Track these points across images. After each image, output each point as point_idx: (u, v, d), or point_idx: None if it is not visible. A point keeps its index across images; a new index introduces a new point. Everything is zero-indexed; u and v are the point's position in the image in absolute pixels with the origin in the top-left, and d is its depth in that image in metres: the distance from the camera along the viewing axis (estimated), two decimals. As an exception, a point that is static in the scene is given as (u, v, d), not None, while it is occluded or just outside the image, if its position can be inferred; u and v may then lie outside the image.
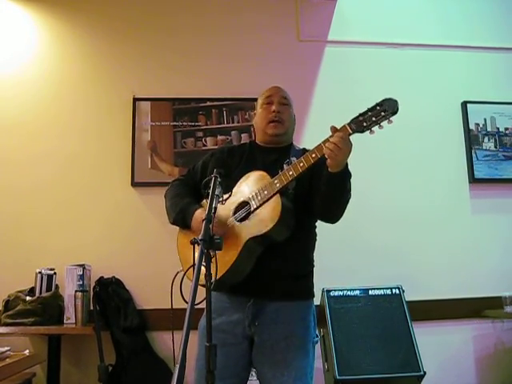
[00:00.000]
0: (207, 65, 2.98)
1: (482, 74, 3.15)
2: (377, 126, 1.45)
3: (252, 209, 1.56)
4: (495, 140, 3.06)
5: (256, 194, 1.57)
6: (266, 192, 1.55)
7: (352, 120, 1.48)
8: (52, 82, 2.91)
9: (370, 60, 3.09)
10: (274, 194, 1.53)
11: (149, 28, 3.01)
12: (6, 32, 2.95)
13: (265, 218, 1.52)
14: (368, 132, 1.47)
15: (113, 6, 3.02)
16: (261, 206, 1.55)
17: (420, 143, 3.01)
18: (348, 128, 1.47)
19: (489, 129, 3.07)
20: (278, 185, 1.54)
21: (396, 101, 1.44)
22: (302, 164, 1.53)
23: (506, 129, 3.08)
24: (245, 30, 3.07)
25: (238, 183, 1.64)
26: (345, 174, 1.52)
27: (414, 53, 3.13)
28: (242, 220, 1.58)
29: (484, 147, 3.04)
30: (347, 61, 3.08)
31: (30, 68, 2.92)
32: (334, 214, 1.64)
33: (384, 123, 1.45)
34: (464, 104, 3.08)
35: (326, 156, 1.46)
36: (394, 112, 1.43)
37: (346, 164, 1.51)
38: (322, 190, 1.56)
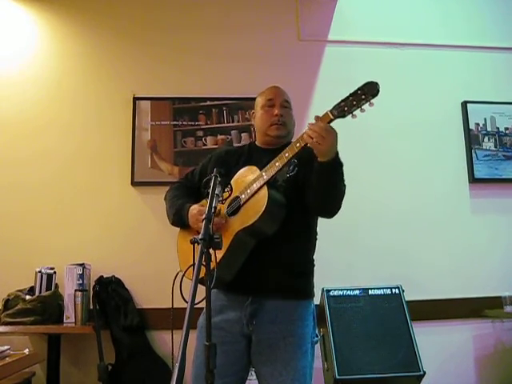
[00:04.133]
0: (207, 64, 2.98)
1: (482, 73, 3.15)
2: (358, 110, 1.46)
3: (242, 202, 1.59)
4: (495, 140, 3.06)
5: (245, 187, 1.59)
6: (254, 185, 1.57)
7: (334, 106, 1.49)
8: (52, 81, 2.91)
9: (370, 60, 3.09)
10: (262, 186, 1.55)
11: (149, 27, 3.01)
12: (6, 31, 2.95)
13: (252, 209, 1.54)
14: (350, 116, 1.47)
15: (113, 4, 3.02)
16: (249, 198, 1.57)
17: (420, 143, 3.01)
18: (330, 114, 1.48)
19: (489, 129, 3.07)
20: (265, 177, 1.56)
21: (376, 83, 1.44)
22: (287, 154, 1.54)
23: (506, 129, 3.08)
24: (245, 29, 3.07)
25: (232, 180, 1.66)
26: (334, 164, 1.51)
27: (415, 52, 3.13)
28: (233, 214, 1.60)
29: (484, 147, 3.04)
30: (347, 60, 3.08)
31: (29, 67, 2.92)
32: (328, 206, 1.63)
33: (366, 106, 1.46)
34: (464, 104, 3.08)
35: (310, 144, 1.47)
36: (374, 94, 1.44)
37: (337, 153, 1.51)
38: (313, 182, 1.57)
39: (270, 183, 1.57)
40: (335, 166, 1.52)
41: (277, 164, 1.55)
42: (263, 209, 1.50)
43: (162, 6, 3.05)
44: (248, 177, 1.62)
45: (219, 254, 1.50)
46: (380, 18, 3.17)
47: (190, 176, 1.88)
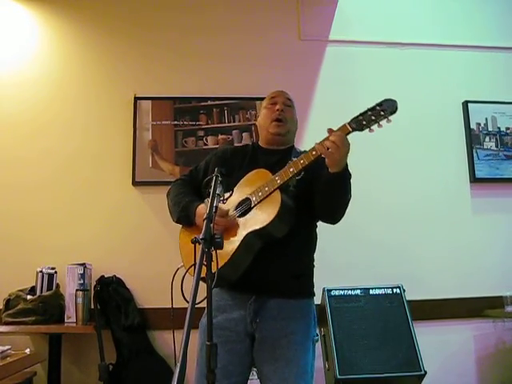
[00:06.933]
0: (208, 64, 2.98)
1: (483, 73, 3.15)
2: (376, 125, 1.49)
3: (252, 204, 1.59)
4: (496, 139, 3.06)
5: (257, 190, 1.59)
6: (266, 188, 1.57)
7: (352, 119, 1.52)
8: (53, 81, 2.91)
9: (371, 59, 3.09)
10: (274, 190, 1.56)
11: (150, 27, 3.01)
12: (6, 30, 2.95)
13: (264, 212, 1.54)
14: (367, 130, 1.51)
15: (114, 4, 3.02)
16: (261, 201, 1.57)
17: (421, 142, 3.00)
18: (348, 126, 1.51)
19: (490, 128, 3.07)
20: (278, 181, 1.56)
21: (395, 101, 1.48)
22: (302, 161, 1.56)
23: (507, 128, 3.08)
24: (246, 29, 3.07)
25: (241, 181, 1.66)
26: (344, 175, 1.54)
27: (416, 52, 3.13)
28: (242, 215, 1.59)
29: (485, 147, 3.04)
30: (348, 60, 3.08)
31: (30, 67, 2.92)
32: (333, 214, 1.67)
33: (383, 122, 1.49)
34: (465, 103, 3.07)
35: (324, 154, 1.49)
36: (393, 111, 1.48)
37: (346, 165, 1.53)
38: (321, 191, 1.59)
39: (283, 188, 1.57)
40: (344, 178, 1.55)
41: (291, 170, 1.56)
42: (276, 213, 1.51)
43: (162, 6, 3.04)
44: (257, 179, 1.62)
45: (227, 255, 1.51)
46: (381, 17, 3.17)
47: (194, 172, 1.87)
